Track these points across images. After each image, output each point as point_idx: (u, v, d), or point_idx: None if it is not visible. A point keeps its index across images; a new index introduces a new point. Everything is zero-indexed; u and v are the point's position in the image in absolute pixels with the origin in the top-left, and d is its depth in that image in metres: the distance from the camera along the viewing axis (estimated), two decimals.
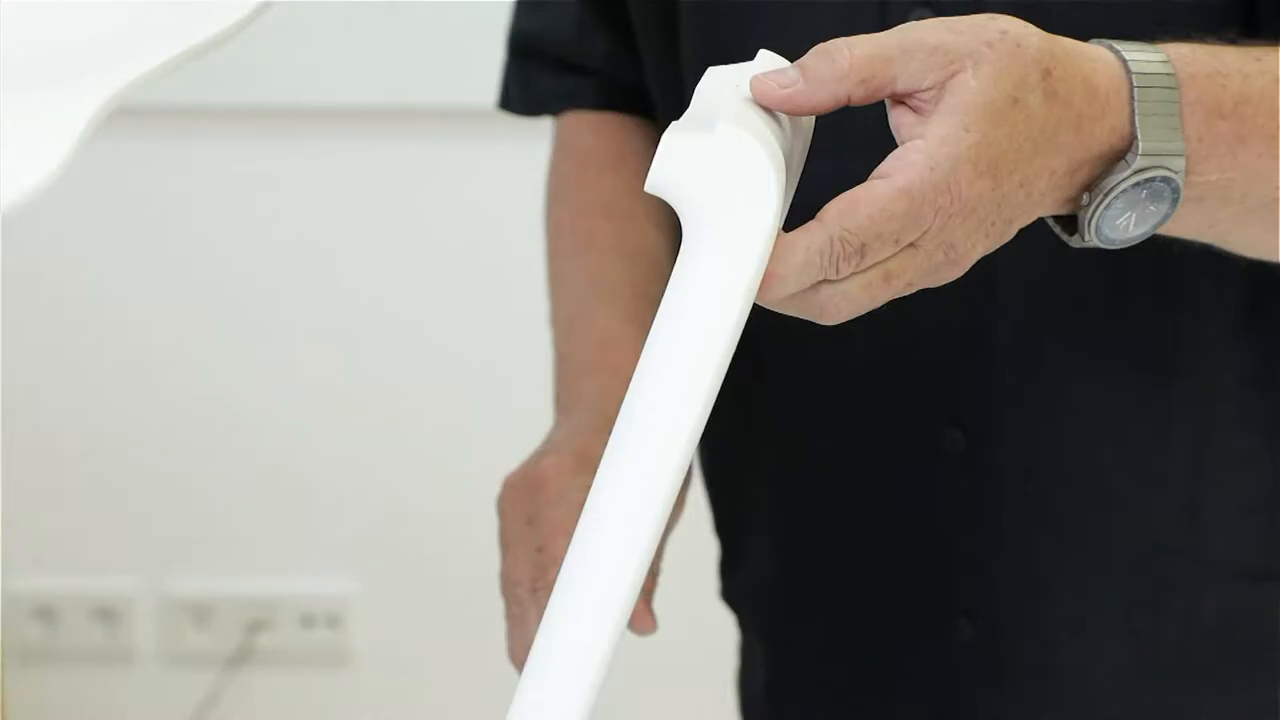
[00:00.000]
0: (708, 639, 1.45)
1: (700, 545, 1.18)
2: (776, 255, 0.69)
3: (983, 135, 0.71)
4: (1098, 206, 0.76)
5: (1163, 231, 0.80)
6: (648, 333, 0.69)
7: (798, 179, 0.76)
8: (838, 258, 0.69)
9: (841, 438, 1.03)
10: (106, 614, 2.18)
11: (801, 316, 0.72)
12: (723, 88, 0.72)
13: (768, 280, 0.69)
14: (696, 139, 0.68)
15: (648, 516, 0.67)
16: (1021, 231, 0.79)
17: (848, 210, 0.70)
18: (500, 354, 2.05)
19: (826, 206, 0.70)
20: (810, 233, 0.69)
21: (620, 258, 1.06)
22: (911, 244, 0.71)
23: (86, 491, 2.17)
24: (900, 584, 1.03)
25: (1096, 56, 0.76)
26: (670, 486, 0.67)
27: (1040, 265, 0.96)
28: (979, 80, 0.71)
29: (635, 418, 0.68)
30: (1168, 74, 0.76)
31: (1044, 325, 0.98)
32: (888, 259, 0.71)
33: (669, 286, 0.68)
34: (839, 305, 0.71)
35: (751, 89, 0.72)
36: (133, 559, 2.18)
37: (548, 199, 1.13)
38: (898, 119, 0.73)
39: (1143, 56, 0.76)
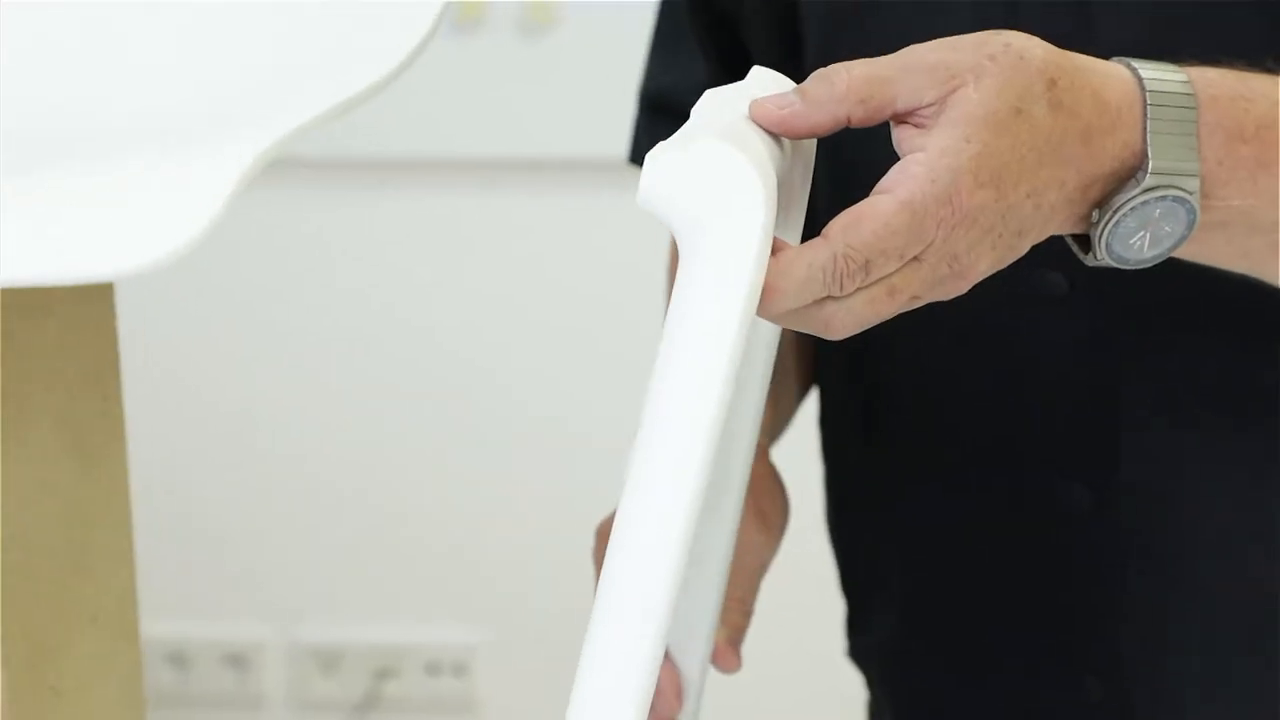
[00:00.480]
0: (835, 697, 1.44)
1: (827, 603, 1.18)
2: (778, 270, 0.68)
3: (984, 145, 0.70)
4: (1107, 222, 0.74)
5: (1193, 258, 0.78)
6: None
7: (805, 201, 0.75)
8: (841, 274, 0.69)
9: (966, 496, 1.02)
10: (237, 660, 2.20)
11: (805, 331, 0.71)
12: (719, 108, 0.72)
13: (768, 295, 0.68)
14: (679, 154, 0.67)
15: (668, 537, 0.65)
16: (1151, 291, 0.78)
17: (852, 226, 0.69)
18: (628, 402, 2.05)
19: (831, 223, 0.69)
20: (814, 249, 0.69)
21: None
22: (915, 258, 0.70)
23: (218, 540, 2.19)
24: (1028, 643, 1.02)
25: (1109, 72, 0.74)
26: (690, 501, 0.65)
27: (1166, 324, 0.95)
28: (980, 92, 0.71)
29: (648, 436, 0.66)
30: (1186, 94, 0.75)
31: (1171, 384, 0.96)
32: (892, 274, 0.70)
33: (671, 303, 0.67)
34: (843, 320, 0.71)
35: (750, 112, 0.71)
36: (263, 606, 2.20)
37: (671, 249, 1.14)
38: (900, 136, 0.72)
39: (1160, 75, 0.75)
